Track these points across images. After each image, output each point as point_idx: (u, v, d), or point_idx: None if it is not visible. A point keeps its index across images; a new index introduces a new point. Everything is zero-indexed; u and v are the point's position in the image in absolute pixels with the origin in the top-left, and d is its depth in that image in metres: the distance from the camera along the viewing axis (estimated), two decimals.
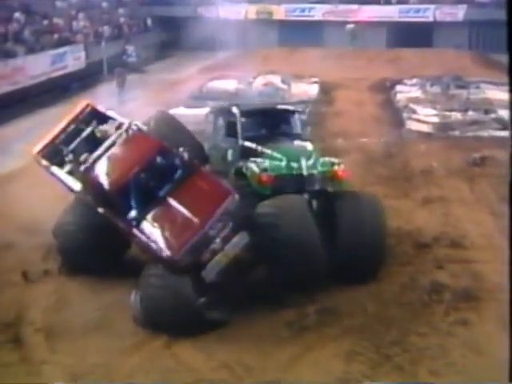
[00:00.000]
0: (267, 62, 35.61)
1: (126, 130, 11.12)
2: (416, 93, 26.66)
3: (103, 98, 25.74)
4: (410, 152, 19.00)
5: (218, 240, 9.71)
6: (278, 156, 11.44)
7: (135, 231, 10.05)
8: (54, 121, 22.40)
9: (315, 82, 28.90)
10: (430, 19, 43.38)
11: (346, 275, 10.48)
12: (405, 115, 23.01)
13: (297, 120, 12.92)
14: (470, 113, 23.01)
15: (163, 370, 8.81)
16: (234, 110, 12.69)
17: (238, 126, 12.31)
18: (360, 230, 10.61)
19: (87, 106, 12.28)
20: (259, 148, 11.76)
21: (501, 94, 25.47)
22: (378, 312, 10.00)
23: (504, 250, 11.97)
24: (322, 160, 11.54)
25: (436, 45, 42.58)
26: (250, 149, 11.89)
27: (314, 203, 10.97)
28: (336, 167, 11.39)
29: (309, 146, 12.09)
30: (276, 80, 28.20)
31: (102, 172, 10.57)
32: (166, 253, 9.58)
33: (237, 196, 9.94)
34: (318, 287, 10.25)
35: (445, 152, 18.64)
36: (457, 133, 20.89)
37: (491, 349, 9.09)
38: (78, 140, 11.76)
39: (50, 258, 12.00)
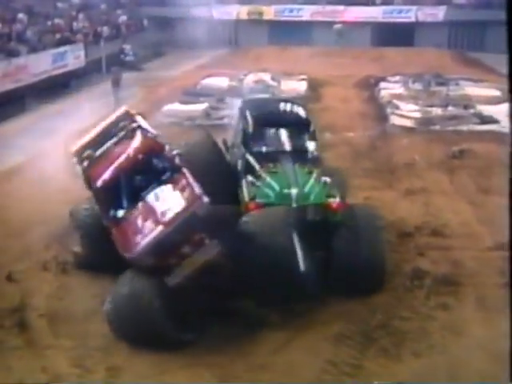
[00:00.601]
0: (258, 60, 35.51)
1: (130, 130, 10.82)
2: (399, 89, 26.58)
3: (101, 95, 25.73)
4: (393, 145, 19.02)
5: (186, 245, 8.92)
6: (272, 182, 10.42)
7: (114, 231, 9.62)
8: (55, 117, 22.61)
9: (304, 79, 28.75)
10: (412, 19, 43.40)
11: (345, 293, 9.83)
12: (388, 111, 22.95)
13: (309, 133, 11.74)
14: (450, 108, 22.99)
15: (160, 353, 8.80)
16: (248, 117, 11.81)
17: (249, 139, 11.51)
18: (357, 252, 9.73)
19: (125, 112, 11.84)
20: (259, 170, 10.81)
21: (479, 91, 25.66)
22: (363, 298, 10.01)
23: (482, 237, 12.13)
24: (318, 188, 10.34)
25: (417, 44, 42.63)
26: (253, 167, 11.01)
27: (307, 229, 9.76)
28: (331, 199, 10.16)
29: (311, 168, 10.90)
30: (266, 77, 28.05)
31: (94, 169, 10.30)
32: (127, 251, 9.07)
33: (206, 201, 9.05)
34: (298, 301, 9.46)
35: (426, 145, 18.66)
36: (437, 127, 20.86)
37: (469, 331, 9.20)
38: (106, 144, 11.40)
39: (52, 248, 11.95)
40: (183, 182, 9.52)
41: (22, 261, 11.51)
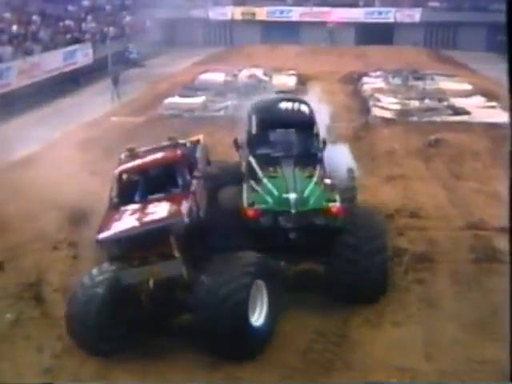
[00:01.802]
0: (251, 57, 35.32)
1: (174, 145, 10.52)
2: (380, 84, 26.56)
3: (107, 89, 25.59)
4: (375, 135, 19.03)
5: (154, 253, 8.27)
6: (271, 187, 9.47)
7: (105, 214, 9.24)
8: (67, 110, 22.53)
9: (293, 75, 28.67)
10: (391, 20, 43.38)
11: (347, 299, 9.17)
12: (370, 103, 22.94)
13: (313, 134, 10.55)
14: (426, 101, 23.02)
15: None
16: (253, 119, 10.75)
17: (252, 141, 10.57)
18: (357, 263, 8.95)
19: (197, 140, 11.42)
20: (260, 174, 9.89)
21: (452, 85, 25.70)
22: None
23: (454, 218, 12.15)
24: (318, 192, 9.38)
25: (396, 42, 42.63)
26: (254, 171, 10.07)
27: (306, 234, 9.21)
28: (330, 204, 9.19)
29: (312, 171, 9.90)
30: (259, 73, 27.95)
31: (125, 161, 10.15)
32: (99, 233, 8.55)
33: (185, 221, 8.56)
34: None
35: (405, 135, 18.68)
36: (415, 118, 20.87)
37: (442, 303, 9.26)
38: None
39: (64, 230, 11.93)
40: (183, 198, 9.09)
41: (37, 241, 11.51)
